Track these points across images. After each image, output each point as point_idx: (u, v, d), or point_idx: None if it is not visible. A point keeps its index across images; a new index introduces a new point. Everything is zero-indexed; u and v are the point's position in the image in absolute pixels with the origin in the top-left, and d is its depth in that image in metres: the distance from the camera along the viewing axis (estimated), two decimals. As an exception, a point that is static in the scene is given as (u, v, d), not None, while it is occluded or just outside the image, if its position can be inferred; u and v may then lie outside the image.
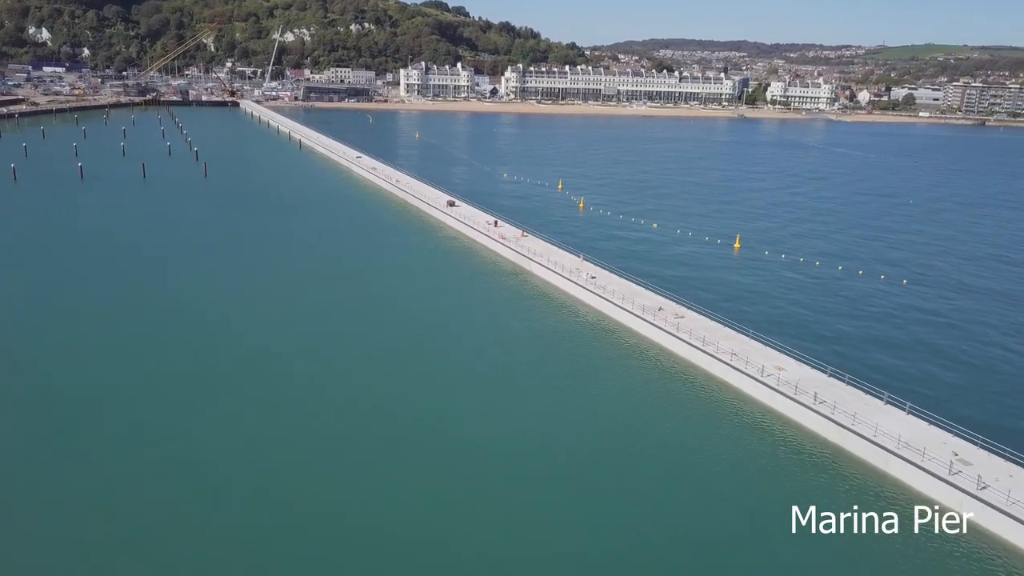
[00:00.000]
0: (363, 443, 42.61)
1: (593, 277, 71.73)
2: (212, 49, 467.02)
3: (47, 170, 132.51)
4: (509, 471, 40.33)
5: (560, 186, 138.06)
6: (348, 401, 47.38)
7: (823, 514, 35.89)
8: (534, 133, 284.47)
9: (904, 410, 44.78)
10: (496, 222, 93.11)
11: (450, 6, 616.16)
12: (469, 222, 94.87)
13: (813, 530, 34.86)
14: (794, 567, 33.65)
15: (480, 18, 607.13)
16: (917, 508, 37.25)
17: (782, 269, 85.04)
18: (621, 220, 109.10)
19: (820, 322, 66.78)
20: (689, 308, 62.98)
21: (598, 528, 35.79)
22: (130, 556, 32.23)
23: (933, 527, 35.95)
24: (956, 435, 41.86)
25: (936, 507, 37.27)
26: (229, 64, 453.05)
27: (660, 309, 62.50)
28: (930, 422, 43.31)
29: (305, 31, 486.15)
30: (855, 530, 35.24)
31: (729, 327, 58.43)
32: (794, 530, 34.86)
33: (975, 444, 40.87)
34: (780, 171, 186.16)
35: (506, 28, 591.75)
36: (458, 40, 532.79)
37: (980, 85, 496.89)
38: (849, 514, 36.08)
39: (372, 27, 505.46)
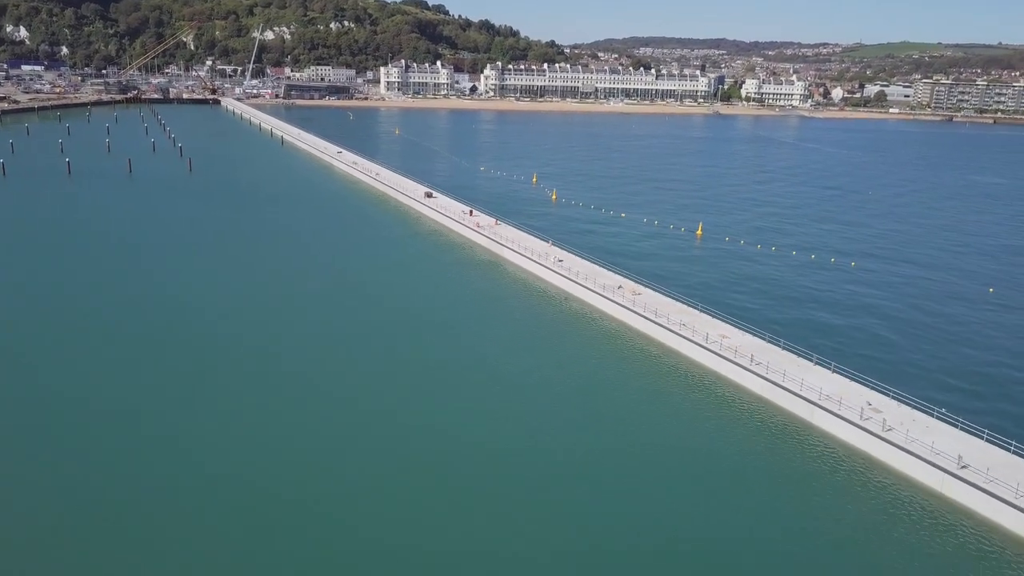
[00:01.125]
0: (344, 430, 43.61)
1: (560, 260, 76.98)
2: (192, 47, 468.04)
3: (35, 166, 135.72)
4: (482, 443, 45.09)
5: (535, 179, 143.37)
6: (327, 387, 48.98)
7: (756, 458, 41.47)
8: (512, 130, 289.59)
9: (829, 369, 50.35)
10: (471, 211, 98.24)
11: (430, 4, 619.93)
12: (446, 211, 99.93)
13: (746, 471, 40.39)
14: (729, 500, 38.68)
15: (460, 16, 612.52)
16: (834, 451, 42.89)
17: (739, 254, 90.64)
18: (592, 211, 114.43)
19: (767, 298, 72.41)
20: (646, 286, 68.37)
21: (569, 484, 40.84)
22: (127, 555, 31.90)
23: (846, 466, 41.49)
24: (872, 388, 47.43)
25: (850, 449, 42.89)
26: (209, 62, 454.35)
27: (619, 287, 67.87)
28: (851, 378, 48.89)
29: (285, 29, 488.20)
30: (781, 470, 40.82)
31: (681, 302, 63.91)
32: (731, 469, 40.37)
33: (887, 396, 46.47)
34: (749, 166, 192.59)
35: (486, 26, 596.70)
36: (438, 38, 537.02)
37: (948, 82, 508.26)
38: (777, 457, 41.58)
39: (352, 25, 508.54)
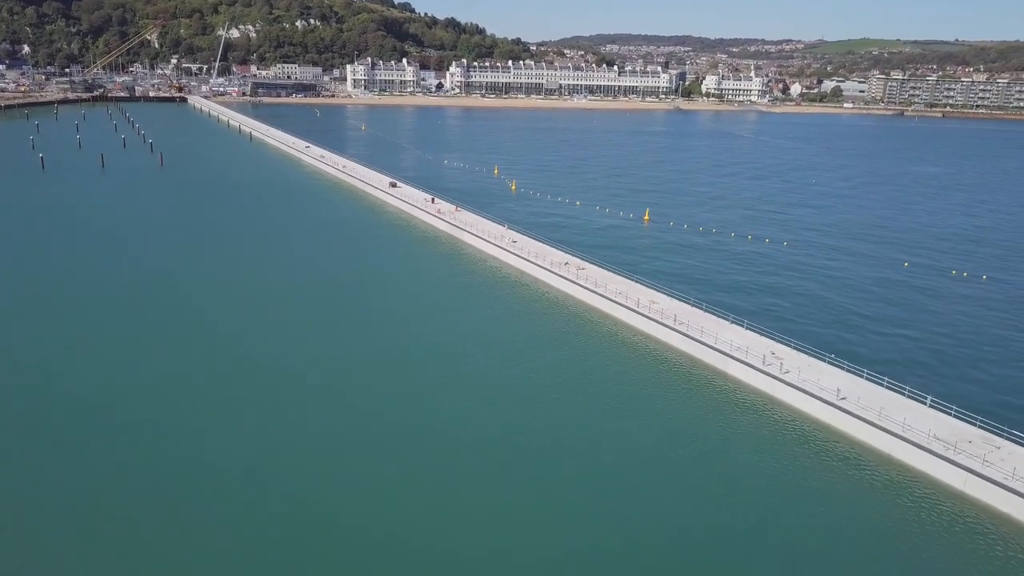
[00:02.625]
0: (316, 416, 44.99)
1: (514, 241, 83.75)
2: (156, 46, 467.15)
3: (8, 162, 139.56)
4: (444, 413, 51.73)
5: (496, 171, 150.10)
6: (297, 372, 51.15)
7: (678, 400, 48.67)
8: (477, 126, 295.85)
9: (743, 326, 57.65)
10: (433, 199, 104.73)
11: (396, 2, 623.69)
12: (409, 200, 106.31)
13: (669, 410, 47.52)
14: (652, 434, 45.52)
15: (426, 14, 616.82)
16: (744, 392, 50.18)
17: (681, 235, 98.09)
18: (548, 199, 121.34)
19: (699, 270, 79.94)
20: (591, 263, 75.37)
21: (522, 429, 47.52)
22: (126, 554, 32.13)
23: (750, 404, 48.76)
24: (776, 340, 54.83)
25: (756, 391, 50.23)
26: (174, 60, 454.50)
27: (566, 264, 74.83)
28: (759, 333, 56.24)
29: (251, 27, 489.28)
30: (700, 410, 47.93)
31: (620, 275, 70.99)
32: (657, 411, 47.52)
33: (788, 346, 53.90)
34: (701, 158, 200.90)
35: (452, 24, 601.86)
36: (404, 36, 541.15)
37: (900, 78, 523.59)
38: (696, 399, 48.77)
39: (318, 23, 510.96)
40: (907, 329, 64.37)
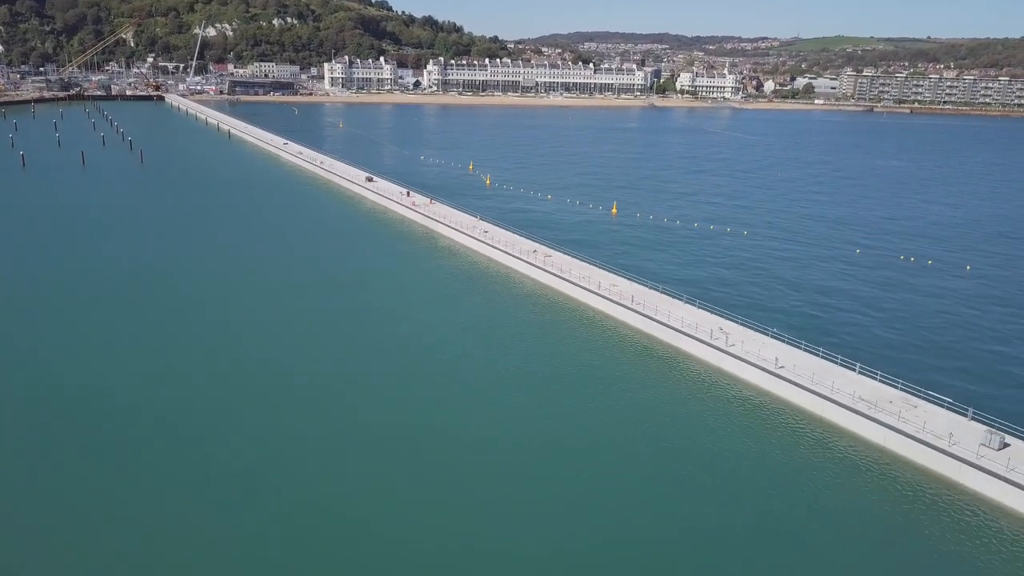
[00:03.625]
0: (298, 404, 46.96)
1: (486, 232, 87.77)
2: (132, 44, 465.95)
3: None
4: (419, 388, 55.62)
5: (471, 167, 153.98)
6: (277, 359, 53.47)
7: (634, 372, 52.83)
8: (454, 123, 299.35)
9: (695, 305, 62.07)
10: (408, 192, 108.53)
11: (373, 0, 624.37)
12: (385, 193, 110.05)
13: (626, 381, 51.75)
14: (611, 405, 49.67)
15: (403, 12, 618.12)
16: (693, 364, 54.57)
17: (647, 226, 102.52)
18: (522, 193, 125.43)
19: (660, 257, 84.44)
20: (557, 251, 79.56)
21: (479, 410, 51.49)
22: (125, 554, 32.31)
23: (699, 374, 53.15)
24: (725, 318, 59.29)
25: (703, 363, 54.64)
26: (150, 59, 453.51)
27: (534, 251, 78.98)
28: (710, 311, 60.68)
29: (227, 26, 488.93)
30: (653, 379, 52.20)
31: (585, 261, 75.21)
32: (614, 384, 51.70)
33: (735, 322, 58.37)
34: (671, 153, 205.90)
35: (429, 22, 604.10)
36: (381, 34, 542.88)
37: (870, 75, 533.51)
38: (650, 371, 53.03)
39: (295, 22, 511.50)
40: (849, 307, 69.15)
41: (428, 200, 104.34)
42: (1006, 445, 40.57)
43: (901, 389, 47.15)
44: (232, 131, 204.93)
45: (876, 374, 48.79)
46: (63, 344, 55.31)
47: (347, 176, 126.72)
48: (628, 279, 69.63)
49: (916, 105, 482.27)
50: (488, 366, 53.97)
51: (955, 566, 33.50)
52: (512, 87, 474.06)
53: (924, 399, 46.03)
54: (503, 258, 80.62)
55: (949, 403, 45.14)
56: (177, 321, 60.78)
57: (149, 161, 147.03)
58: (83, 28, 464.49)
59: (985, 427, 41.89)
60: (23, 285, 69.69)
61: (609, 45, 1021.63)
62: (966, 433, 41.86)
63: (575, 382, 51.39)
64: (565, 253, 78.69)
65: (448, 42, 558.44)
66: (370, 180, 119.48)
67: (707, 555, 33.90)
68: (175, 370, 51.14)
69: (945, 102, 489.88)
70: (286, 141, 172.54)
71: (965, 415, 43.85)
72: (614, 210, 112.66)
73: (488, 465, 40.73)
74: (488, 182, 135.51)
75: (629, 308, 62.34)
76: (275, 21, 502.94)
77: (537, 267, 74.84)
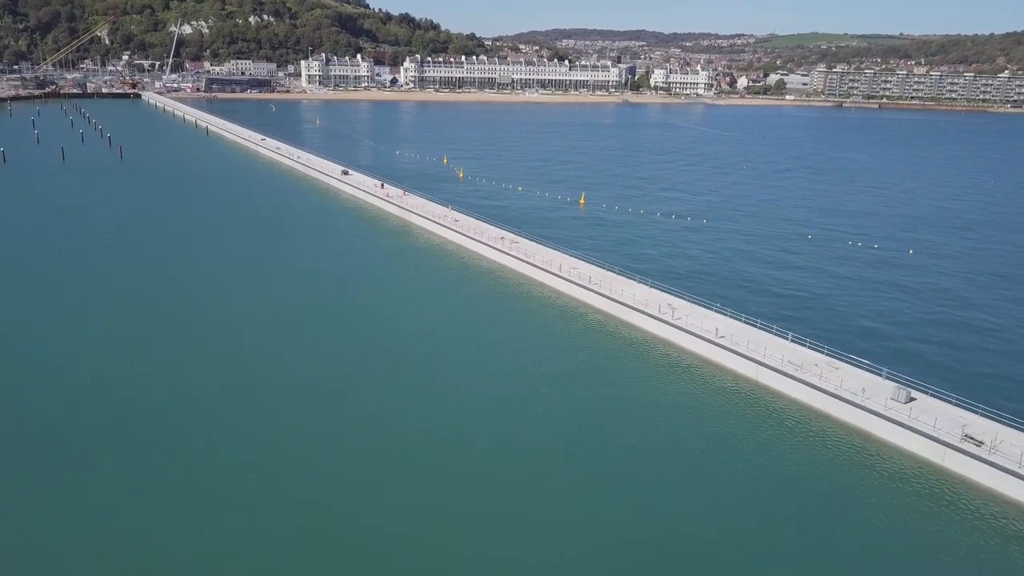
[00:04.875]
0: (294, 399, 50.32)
1: (456, 220, 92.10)
2: (107, 42, 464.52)
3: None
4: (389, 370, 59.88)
5: (446, 160, 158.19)
6: (255, 345, 56.72)
7: (592, 347, 57.52)
8: (430, 119, 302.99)
9: (648, 285, 66.82)
10: (383, 184, 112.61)
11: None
12: (360, 186, 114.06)
13: (584, 354, 56.27)
14: (573, 375, 54.25)
15: (380, 10, 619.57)
16: (643, 337, 59.31)
17: (612, 215, 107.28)
18: (494, 185, 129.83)
19: (621, 243, 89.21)
20: (524, 238, 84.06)
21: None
22: (124, 553, 32.42)
23: (649, 346, 57.90)
24: (674, 295, 64.11)
25: (652, 335, 59.41)
26: (126, 57, 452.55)
27: (502, 238, 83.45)
28: (661, 289, 65.49)
29: (203, 23, 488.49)
30: (608, 352, 56.84)
31: (548, 247, 79.80)
32: (574, 356, 56.32)
33: (683, 299, 63.21)
34: (643, 148, 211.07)
35: (406, 20, 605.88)
36: (359, 32, 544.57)
37: (840, 71, 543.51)
38: (606, 346, 57.77)
39: (271, 19, 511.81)
40: (793, 285, 74.33)
41: (402, 192, 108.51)
42: (912, 399, 45.60)
43: (827, 354, 52.16)
44: (210, 128, 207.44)
45: (806, 342, 53.79)
46: (46, 337, 56.44)
47: (323, 170, 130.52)
48: (588, 262, 74.29)
49: (884, 100, 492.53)
50: (457, 347, 57.92)
51: (863, 504, 38.07)
52: (489, 84, 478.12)
53: (846, 362, 51.05)
54: (472, 244, 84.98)
55: (867, 365, 50.20)
56: (159, 311, 63.01)
57: (128, 157, 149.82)
58: (57, 26, 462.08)
59: (895, 384, 46.92)
60: (11, 279, 72.39)
61: (587, 42, 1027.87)
62: (879, 390, 46.85)
63: (536, 355, 55.76)
64: (530, 239, 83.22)
65: (425, 39, 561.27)
66: (346, 173, 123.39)
67: (640, 485, 38.50)
68: (157, 361, 52.03)
69: (913, 97, 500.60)
70: (264, 137, 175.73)
71: (880, 375, 48.91)
72: (582, 201, 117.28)
73: (464, 449, 44.93)
74: (462, 175, 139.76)
75: (587, 288, 67.00)
76: (251, 18, 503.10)
77: (504, 252, 79.31)
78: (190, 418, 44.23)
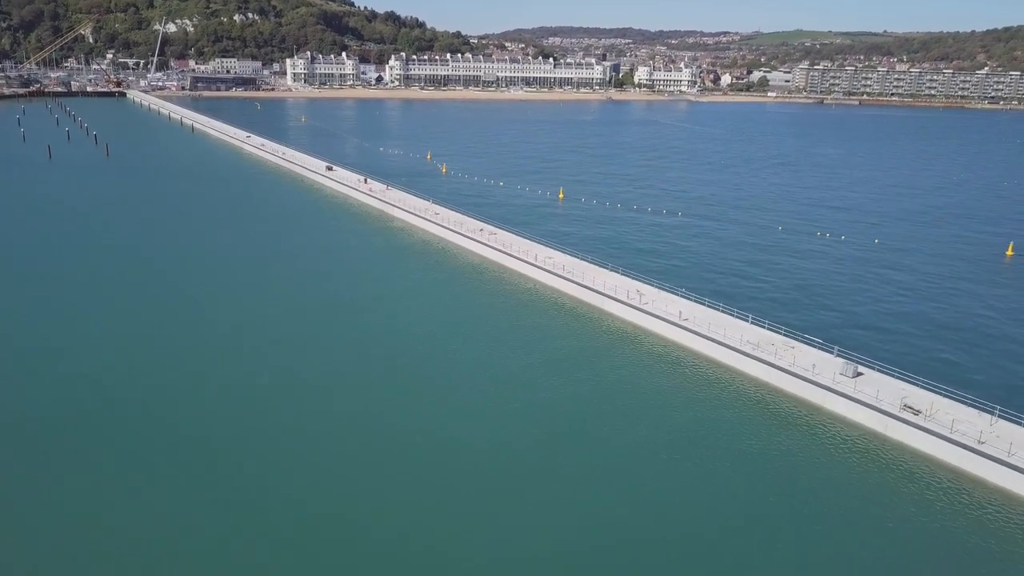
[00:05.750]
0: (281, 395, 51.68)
1: (437, 213, 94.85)
2: (91, 41, 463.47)
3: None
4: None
5: (429, 156, 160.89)
6: (240, 336, 60.22)
7: (565, 331, 60.45)
8: (415, 116, 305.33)
9: (619, 272, 69.81)
10: (366, 179, 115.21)
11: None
12: (344, 181, 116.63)
13: (555, 338, 59.19)
14: (549, 358, 57.07)
15: (365, 8, 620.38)
16: (614, 322, 62.30)
17: (589, 209, 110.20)
18: (475, 180, 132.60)
19: (595, 233, 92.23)
20: (501, 229, 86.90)
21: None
22: (114, 553, 32.47)
23: (618, 329, 60.87)
24: (643, 282, 67.11)
25: (623, 320, 62.42)
26: (110, 55, 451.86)
27: (481, 230, 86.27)
28: (631, 277, 68.49)
29: (188, 22, 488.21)
30: (580, 336, 59.74)
31: (525, 238, 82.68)
32: (548, 342, 59.24)
33: (651, 285, 66.24)
34: (623, 144, 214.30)
35: (391, 18, 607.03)
36: (344, 30, 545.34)
37: (821, 68, 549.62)
38: (578, 331, 60.72)
39: (256, 17, 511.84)
40: (759, 272, 77.56)
41: (384, 186, 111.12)
42: (859, 374, 48.75)
43: (783, 334, 55.28)
44: (195, 125, 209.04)
45: (764, 323, 56.91)
46: (35, 331, 57.65)
47: (308, 166, 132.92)
48: (562, 252, 77.23)
49: (865, 97, 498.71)
50: (436, 338, 60.45)
51: (812, 469, 41.08)
52: (474, 82, 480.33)
53: (801, 341, 54.19)
54: (452, 236, 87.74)
55: (820, 343, 53.36)
56: (145, 305, 64.94)
57: (115, 154, 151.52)
58: (40, 24, 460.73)
59: (844, 360, 50.08)
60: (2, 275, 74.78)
61: (573, 40, 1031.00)
62: (830, 366, 49.95)
63: (515, 341, 58.57)
64: (508, 231, 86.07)
65: (411, 37, 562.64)
66: (330, 169, 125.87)
67: (602, 460, 41.43)
68: (140, 357, 52.68)
69: (892, 94, 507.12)
70: (248, 134, 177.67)
71: (832, 352, 52.07)
72: (560, 195, 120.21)
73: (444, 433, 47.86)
74: (444, 170, 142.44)
75: (561, 276, 69.94)
76: (236, 17, 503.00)
77: (482, 243, 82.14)
78: (172, 412, 44.68)
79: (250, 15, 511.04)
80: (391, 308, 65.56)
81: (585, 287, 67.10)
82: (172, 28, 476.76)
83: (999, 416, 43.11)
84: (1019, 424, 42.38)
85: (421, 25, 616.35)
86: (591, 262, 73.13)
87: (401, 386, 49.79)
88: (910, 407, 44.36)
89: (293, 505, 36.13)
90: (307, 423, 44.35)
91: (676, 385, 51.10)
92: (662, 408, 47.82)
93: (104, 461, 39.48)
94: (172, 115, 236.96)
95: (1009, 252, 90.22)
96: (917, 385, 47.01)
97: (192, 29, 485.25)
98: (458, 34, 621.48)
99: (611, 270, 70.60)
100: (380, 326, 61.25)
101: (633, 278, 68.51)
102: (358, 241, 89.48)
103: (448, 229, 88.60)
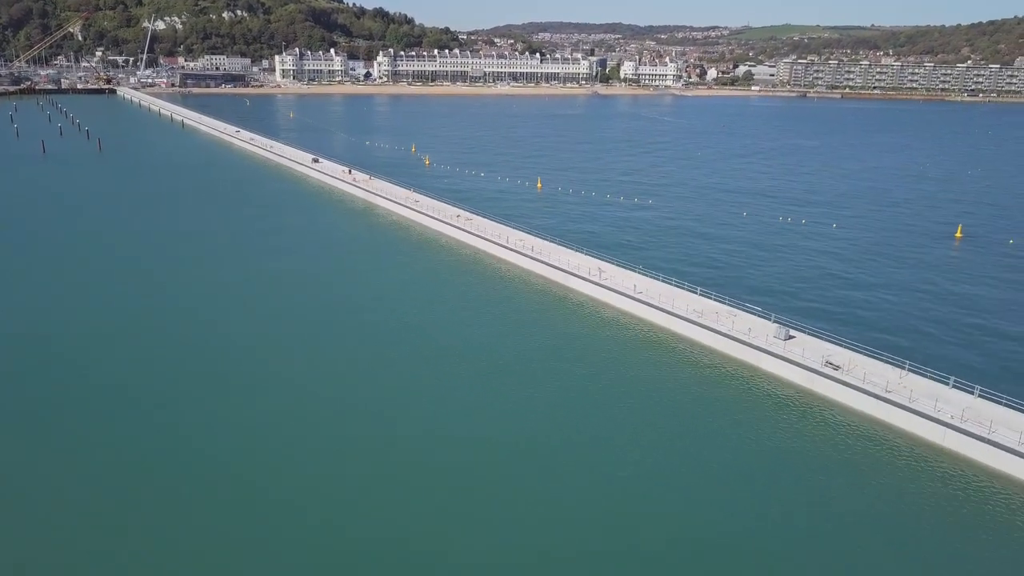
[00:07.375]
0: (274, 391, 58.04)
1: (417, 201, 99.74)
2: (80, 38, 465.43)
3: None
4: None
5: (413, 149, 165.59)
6: (233, 333, 64.17)
7: (531, 309, 65.41)
8: (402, 111, 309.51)
9: (582, 252, 74.88)
10: (350, 170, 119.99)
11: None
12: (329, 172, 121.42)
13: (530, 316, 64.18)
14: (525, 335, 62.08)
15: (354, 4, 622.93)
16: (580, 300, 67.38)
17: (565, 198, 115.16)
18: (457, 171, 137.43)
19: (567, 220, 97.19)
20: (478, 215, 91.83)
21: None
22: (108, 553, 32.34)
23: (580, 304, 65.95)
24: (604, 260, 72.19)
25: (590, 297, 67.51)
26: (99, 53, 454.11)
27: (458, 216, 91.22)
28: (593, 256, 73.56)
29: (177, 19, 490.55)
30: (551, 314, 64.69)
31: (499, 223, 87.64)
32: (523, 319, 64.26)
33: (611, 263, 71.32)
34: (606, 137, 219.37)
35: (380, 14, 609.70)
36: (333, 26, 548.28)
37: (805, 62, 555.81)
38: (547, 308, 65.82)
39: (245, 14, 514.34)
40: (720, 255, 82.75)
41: (368, 177, 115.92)
42: (791, 337, 53.94)
43: (728, 304, 60.45)
44: (186, 121, 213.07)
45: (711, 294, 62.06)
46: (30, 325, 58.94)
47: (295, 159, 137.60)
48: (533, 235, 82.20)
49: (847, 91, 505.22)
50: (412, 316, 65.42)
51: (750, 422, 45.86)
52: (461, 77, 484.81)
53: (744, 311, 59.32)
54: (430, 222, 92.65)
55: (759, 311, 58.58)
56: (139, 296, 68.09)
57: (107, 149, 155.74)
58: (29, 23, 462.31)
59: (778, 324, 55.28)
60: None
61: (563, 35, 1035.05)
62: (766, 331, 55.14)
63: (486, 317, 63.51)
64: (484, 216, 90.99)
65: (399, 34, 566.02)
66: (316, 161, 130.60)
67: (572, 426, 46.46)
68: (134, 351, 53.06)
69: (875, 87, 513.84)
70: (238, 129, 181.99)
71: (769, 319, 57.27)
72: (539, 185, 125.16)
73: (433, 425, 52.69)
74: (427, 162, 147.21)
75: (529, 256, 74.99)
76: (225, 14, 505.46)
77: (459, 228, 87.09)
78: (163, 407, 44.75)
79: (239, 12, 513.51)
80: (367, 289, 69.88)
81: (551, 266, 72.13)
82: (161, 25, 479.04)
83: (909, 370, 48.46)
84: (923, 376, 47.71)
85: (410, 21, 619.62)
86: (559, 244, 78.13)
87: (373, 370, 51.69)
88: (831, 363, 49.56)
89: (284, 503, 36.03)
90: (288, 410, 44.92)
91: (628, 349, 56.16)
92: (615, 368, 52.71)
93: (93, 457, 39.40)
94: (163, 111, 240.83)
95: (958, 234, 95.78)
96: (841, 345, 52.26)
97: (181, 26, 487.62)
98: (447, 30, 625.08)
99: (575, 250, 75.64)
100: (354, 307, 65.07)
101: (596, 257, 73.56)
102: (340, 227, 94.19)
103: (427, 215, 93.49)
